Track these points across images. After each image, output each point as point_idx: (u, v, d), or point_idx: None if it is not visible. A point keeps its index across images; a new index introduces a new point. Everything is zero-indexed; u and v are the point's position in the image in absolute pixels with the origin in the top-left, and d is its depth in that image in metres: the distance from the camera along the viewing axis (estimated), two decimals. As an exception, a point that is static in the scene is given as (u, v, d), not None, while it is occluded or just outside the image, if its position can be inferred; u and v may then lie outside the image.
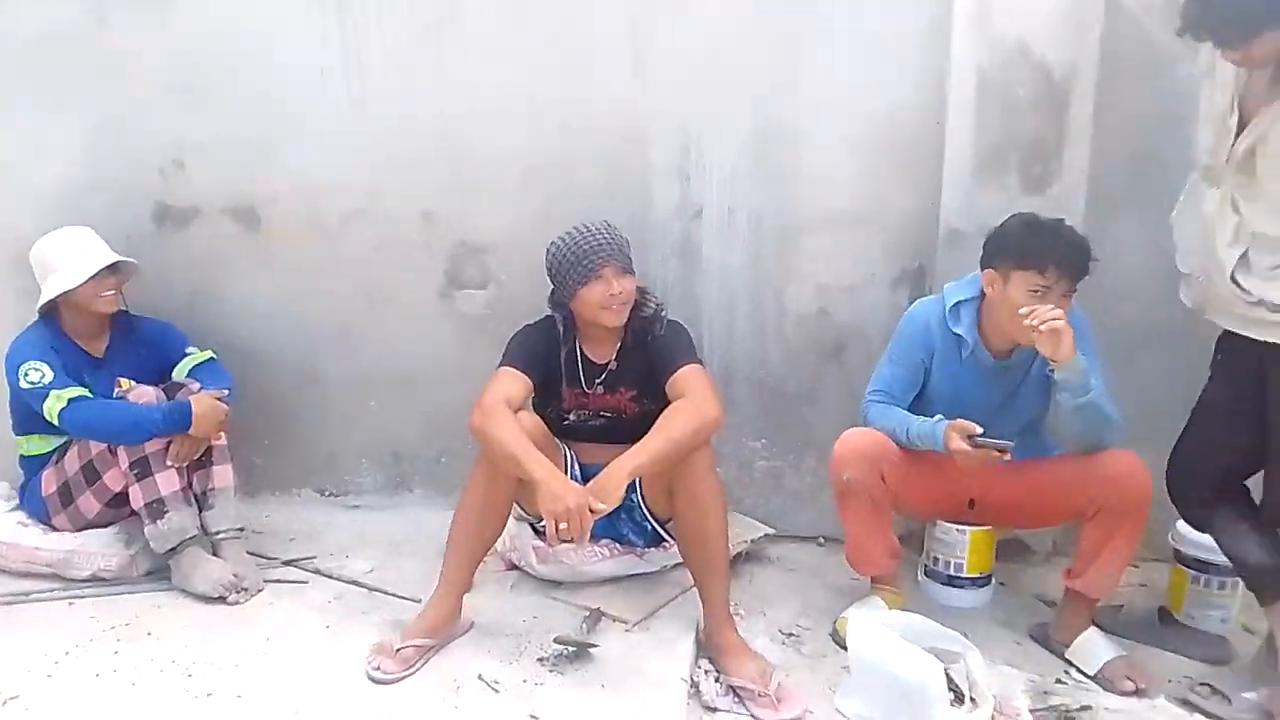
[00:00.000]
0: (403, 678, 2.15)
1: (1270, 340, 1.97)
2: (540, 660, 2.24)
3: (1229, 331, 2.10)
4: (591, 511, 2.05)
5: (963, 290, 2.39)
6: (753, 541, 2.88)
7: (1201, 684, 2.18)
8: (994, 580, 2.68)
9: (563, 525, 2.03)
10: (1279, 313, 1.92)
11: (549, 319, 2.49)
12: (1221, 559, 2.39)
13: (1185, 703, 2.15)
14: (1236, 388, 2.12)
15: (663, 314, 2.45)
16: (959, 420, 2.24)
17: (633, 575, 2.65)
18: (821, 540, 3.03)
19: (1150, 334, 2.69)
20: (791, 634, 2.49)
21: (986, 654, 2.16)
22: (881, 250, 2.82)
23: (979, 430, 2.22)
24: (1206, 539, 2.35)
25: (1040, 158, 2.60)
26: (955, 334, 2.37)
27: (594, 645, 2.27)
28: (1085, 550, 2.30)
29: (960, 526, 2.58)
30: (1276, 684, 2.12)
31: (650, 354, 2.42)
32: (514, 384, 2.34)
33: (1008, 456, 2.20)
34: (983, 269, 2.30)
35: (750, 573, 2.84)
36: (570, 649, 2.26)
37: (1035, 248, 2.18)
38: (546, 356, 2.45)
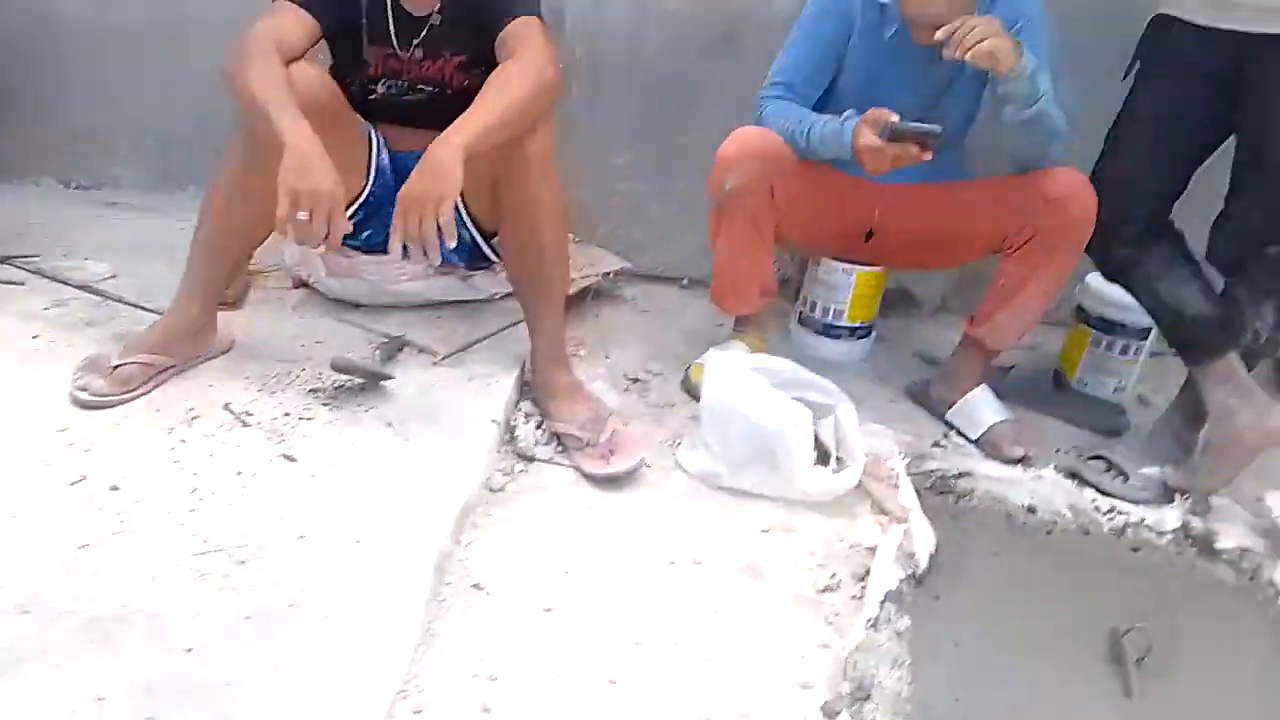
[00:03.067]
0: (118, 401, 1.63)
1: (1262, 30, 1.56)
2: (313, 391, 1.76)
3: (1171, 19, 1.71)
4: (436, 209, 1.50)
5: None
6: (604, 276, 2.41)
7: (1094, 456, 1.90)
8: (874, 333, 2.32)
9: (301, 214, 1.47)
10: None
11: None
12: (1131, 319, 2.10)
13: (1074, 475, 1.87)
14: (1187, 91, 1.73)
15: None
16: (871, 110, 1.75)
17: (452, 302, 2.16)
18: (685, 281, 2.59)
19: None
20: (637, 379, 2.09)
21: (859, 412, 1.80)
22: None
23: (895, 118, 1.73)
24: (1116, 296, 2.03)
25: None
26: (878, 3, 1.85)
27: (387, 377, 1.80)
28: (1000, 289, 1.91)
29: (847, 266, 2.17)
30: (1181, 459, 1.86)
31: (483, 3, 1.79)
32: (291, 23, 1.69)
33: (929, 155, 1.72)
34: None
35: (597, 310, 2.39)
36: (355, 381, 1.78)
37: None
38: None
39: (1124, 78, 1.83)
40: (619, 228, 2.58)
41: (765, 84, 1.94)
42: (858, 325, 2.24)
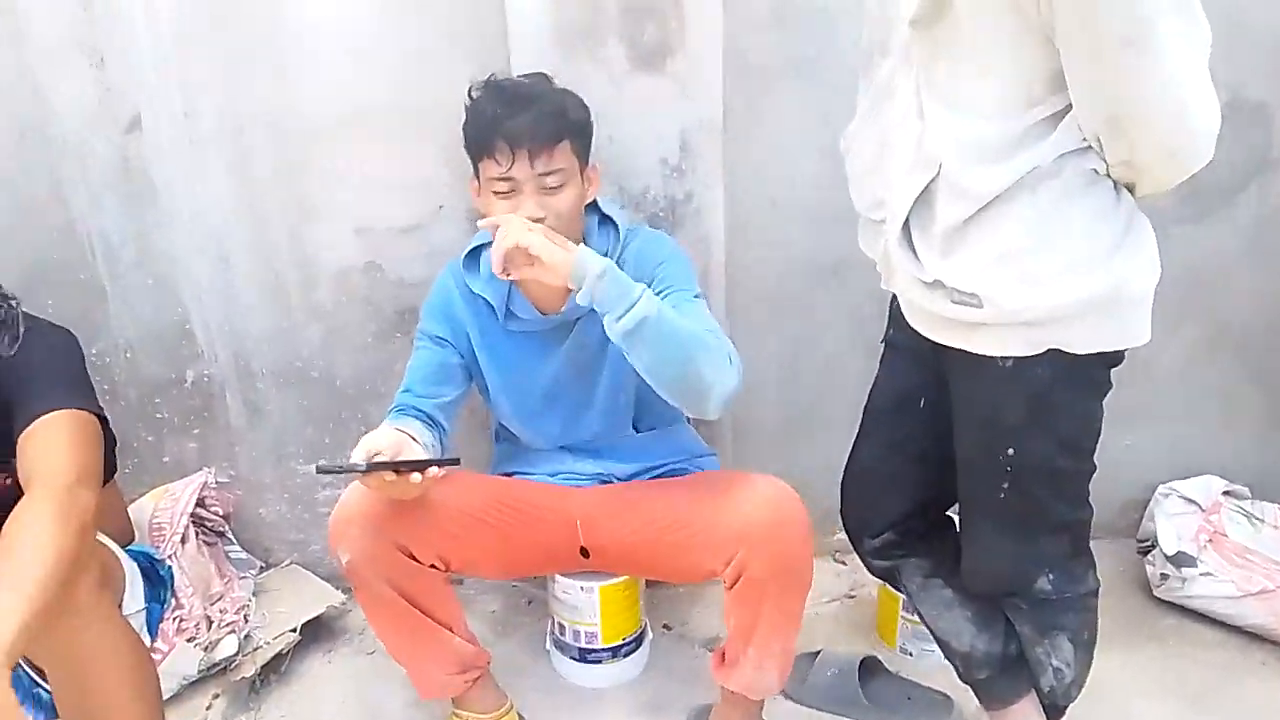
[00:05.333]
0: None
1: (951, 345, 1.19)
2: None
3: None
4: None
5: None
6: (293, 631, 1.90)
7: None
8: (647, 636, 1.86)
9: None
10: (965, 305, 1.10)
11: None
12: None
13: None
14: (916, 378, 1.35)
15: (15, 319, 1.35)
16: (367, 435, 1.33)
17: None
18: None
19: (834, 260, 1.88)
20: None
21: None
22: (450, 168, 1.80)
23: (358, 456, 1.28)
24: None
25: (654, 14, 1.64)
26: (479, 296, 1.51)
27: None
28: (733, 633, 1.48)
29: (585, 583, 1.71)
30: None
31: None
32: None
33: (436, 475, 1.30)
34: None
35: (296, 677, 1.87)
36: None
37: (476, 119, 1.42)
38: None
39: (882, 339, 1.45)
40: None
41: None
42: (620, 643, 1.78)
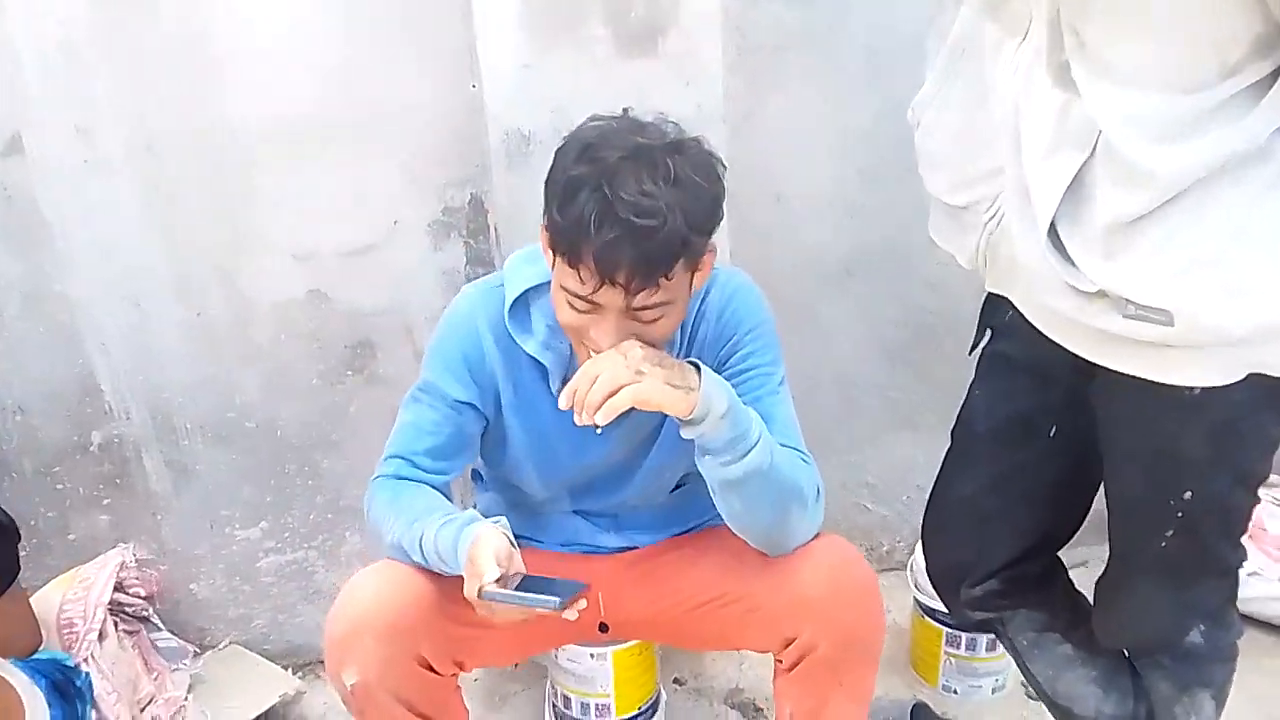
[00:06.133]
0: None
1: (1120, 369, 0.97)
2: None
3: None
4: None
5: (533, 265, 1.19)
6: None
7: None
8: (662, 699, 1.63)
9: None
10: (1146, 321, 0.89)
11: None
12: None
13: None
14: (1038, 399, 1.14)
15: None
16: (476, 547, 1.07)
17: None
18: None
19: (847, 260, 1.69)
20: None
21: None
22: (402, 179, 1.55)
23: (493, 572, 1.05)
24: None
25: (642, -13, 1.42)
26: (527, 354, 1.20)
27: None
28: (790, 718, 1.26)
29: (596, 650, 1.48)
30: None
31: None
32: None
33: (570, 615, 1.05)
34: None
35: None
36: None
37: (565, 208, 1.01)
38: None
39: (970, 351, 1.23)
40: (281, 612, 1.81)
41: (384, 456, 1.26)
42: (635, 713, 1.55)
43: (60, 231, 1.49)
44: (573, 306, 1.06)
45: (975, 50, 0.98)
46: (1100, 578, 1.18)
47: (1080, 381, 1.04)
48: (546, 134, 1.45)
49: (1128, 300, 0.88)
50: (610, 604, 1.31)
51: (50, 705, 1.33)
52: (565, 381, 1.11)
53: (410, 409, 1.24)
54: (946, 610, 1.36)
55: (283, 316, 1.60)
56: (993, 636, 1.49)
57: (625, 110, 1.07)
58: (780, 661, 1.22)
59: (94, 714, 1.47)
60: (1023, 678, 1.33)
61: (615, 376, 1.01)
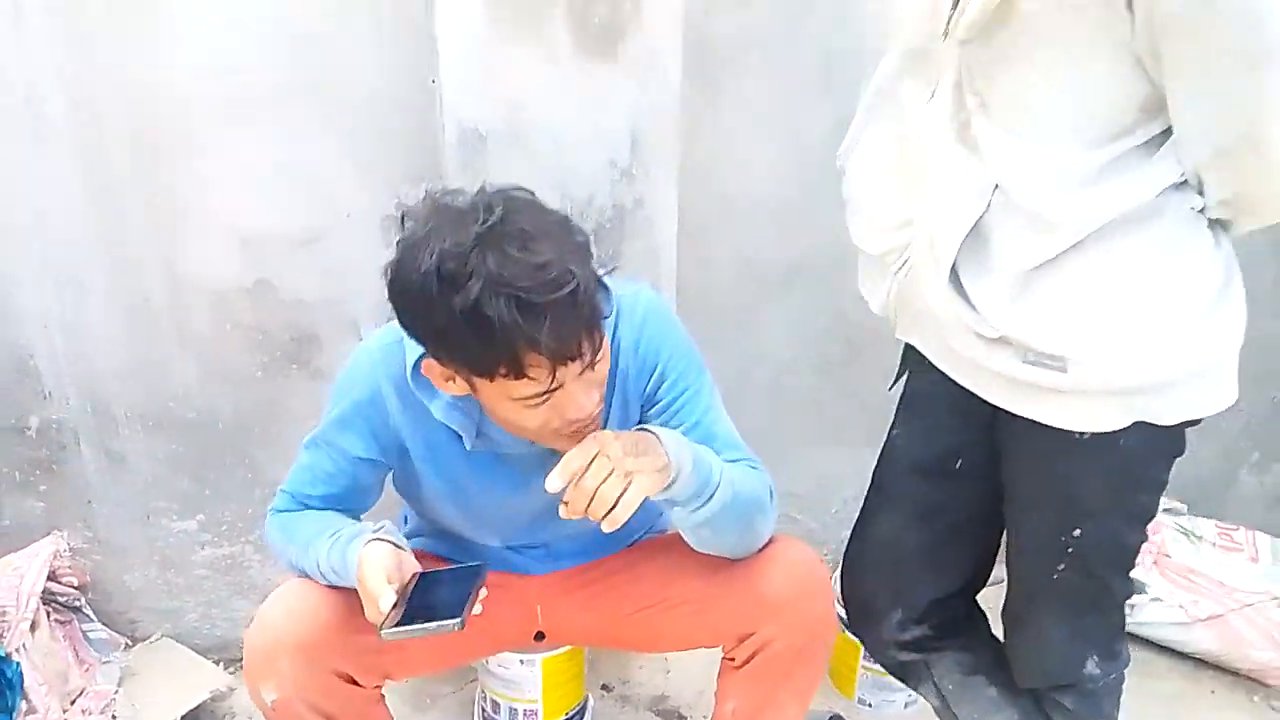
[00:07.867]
0: None
1: (1019, 413, 1.02)
2: None
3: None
4: None
5: None
6: None
7: None
8: (589, 705, 1.67)
9: None
10: (1043, 367, 0.94)
11: None
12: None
13: None
14: (956, 436, 1.18)
15: None
16: (363, 571, 1.07)
17: None
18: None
19: (785, 268, 1.71)
20: None
21: None
22: (358, 165, 1.55)
23: (388, 597, 1.04)
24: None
25: (604, -11, 1.43)
26: (441, 422, 1.16)
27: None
28: (731, 714, 1.29)
29: (525, 656, 1.51)
30: None
31: None
32: None
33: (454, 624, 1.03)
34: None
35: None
36: None
37: (487, 338, 0.93)
38: None
39: (890, 388, 1.26)
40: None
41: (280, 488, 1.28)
42: (563, 719, 1.58)
43: (-4, 205, 1.47)
44: (533, 408, 1.00)
45: (892, 94, 1.03)
46: (1003, 609, 1.23)
47: (990, 420, 1.09)
48: (502, 135, 1.45)
49: (1028, 347, 0.93)
50: (548, 614, 1.35)
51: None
52: (478, 435, 1.14)
53: (309, 453, 1.23)
54: (872, 651, 1.39)
55: (226, 304, 1.58)
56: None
57: (401, 216, 0.99)
58: (731, 659, 1.25)
59: (23, 704, 1.47)
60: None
61: (611, 489, 0.97)
